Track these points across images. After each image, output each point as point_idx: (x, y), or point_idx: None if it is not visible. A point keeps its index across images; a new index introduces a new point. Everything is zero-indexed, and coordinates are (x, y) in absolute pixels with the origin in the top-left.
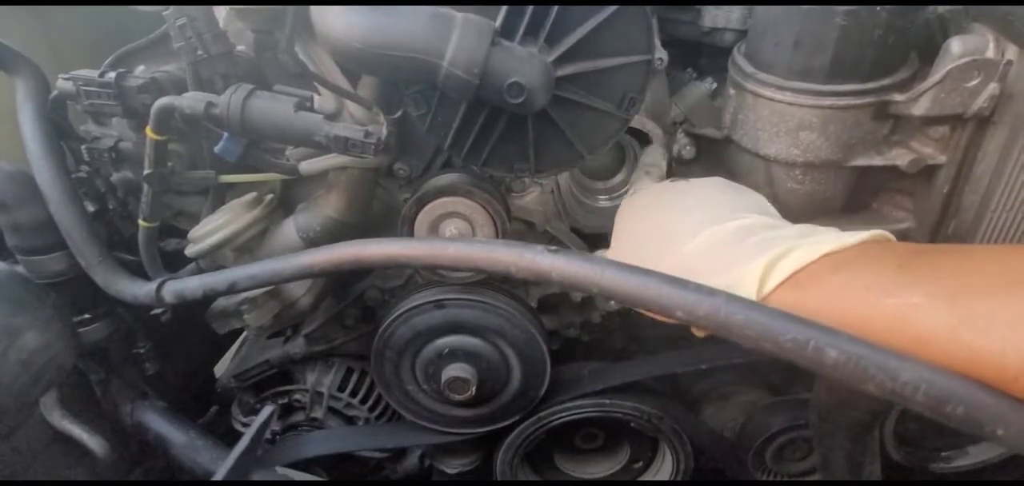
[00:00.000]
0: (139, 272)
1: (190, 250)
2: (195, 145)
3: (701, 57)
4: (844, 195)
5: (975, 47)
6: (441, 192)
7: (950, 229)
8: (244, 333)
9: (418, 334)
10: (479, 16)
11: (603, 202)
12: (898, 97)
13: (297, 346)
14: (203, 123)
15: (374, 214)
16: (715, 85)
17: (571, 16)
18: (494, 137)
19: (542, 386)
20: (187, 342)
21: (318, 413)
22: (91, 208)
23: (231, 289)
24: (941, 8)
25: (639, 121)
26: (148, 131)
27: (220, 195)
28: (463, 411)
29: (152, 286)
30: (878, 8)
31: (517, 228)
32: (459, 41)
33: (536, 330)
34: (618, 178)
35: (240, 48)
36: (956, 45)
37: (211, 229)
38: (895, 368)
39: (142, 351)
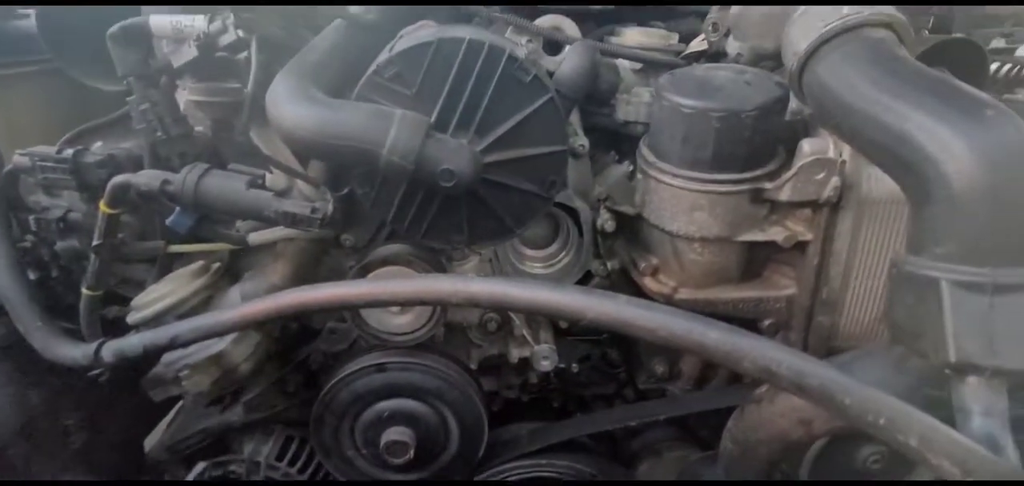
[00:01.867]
0: (78, 340)
1: (132, 317)
2: (146, 217)
3: (622, 143)
4: (739, 265)
5: (820, 148)
6: (385, 261)
7: (824, 295)
8: (178, 403)
9: (358, 397)
10: (415, 113)
11: (538, 269)
12: (768, 185)
13: (236, 414)
14: (158, 199)
15: (321, 280)
16: (632, 167)
17: (498, 112)
18: (431, 213)
19: (480, 448)
20: (117, 413)
21: None
22: (33, 276)
23: (173, 343)
24: (806, 112)
25: (567, 197)
26: (102, 206)
27: (167, 264)
28: (402, 475)
29: (90, 348)
30: (743, 114)
31: None
32: (397, 134)
33: (474, 392)
34: (552, 248)
35: (199, 129)
36: (806, 145)
37: (156, 297)
38: (762, 349)
39: (69, 424)
